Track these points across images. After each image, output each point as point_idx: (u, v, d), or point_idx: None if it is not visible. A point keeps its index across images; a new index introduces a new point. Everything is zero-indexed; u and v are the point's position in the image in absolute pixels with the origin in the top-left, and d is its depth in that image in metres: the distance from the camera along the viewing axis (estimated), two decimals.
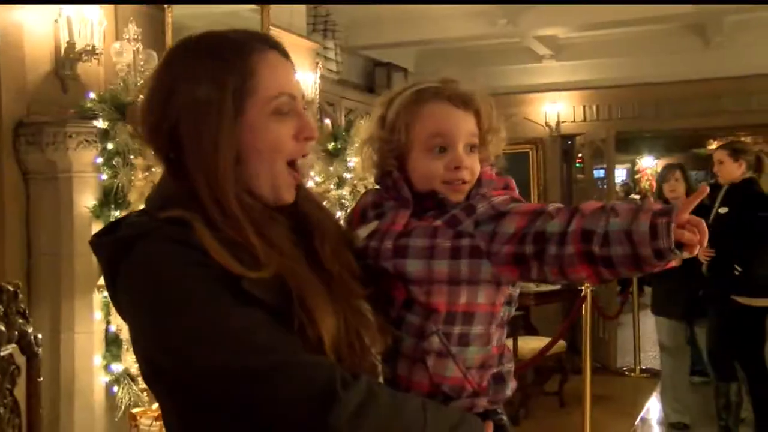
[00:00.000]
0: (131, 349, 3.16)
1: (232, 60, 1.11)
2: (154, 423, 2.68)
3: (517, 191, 1.28)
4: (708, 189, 1.16)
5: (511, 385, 1.27)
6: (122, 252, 1.07)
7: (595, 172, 7.84)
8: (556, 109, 7.53)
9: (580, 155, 7.80)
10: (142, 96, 1.18)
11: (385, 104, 1.30)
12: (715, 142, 9.58)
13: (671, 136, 10.43)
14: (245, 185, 1.11)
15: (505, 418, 1.27)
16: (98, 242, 1.13)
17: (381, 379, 1.16)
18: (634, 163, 12.74)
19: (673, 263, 1.08)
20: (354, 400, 1.02)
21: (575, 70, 7.37)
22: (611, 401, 5.41)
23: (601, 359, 6.64)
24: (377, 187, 1.32)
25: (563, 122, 7.58)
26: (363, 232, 1.25)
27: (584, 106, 7.60)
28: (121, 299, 1.11)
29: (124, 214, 3.09)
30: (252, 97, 1.11)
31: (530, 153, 7.66)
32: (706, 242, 1.07)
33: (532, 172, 7.64)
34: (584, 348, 4.72)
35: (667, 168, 5.15)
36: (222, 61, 1.11)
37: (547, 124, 7.59)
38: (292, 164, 1.15)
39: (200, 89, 1.09)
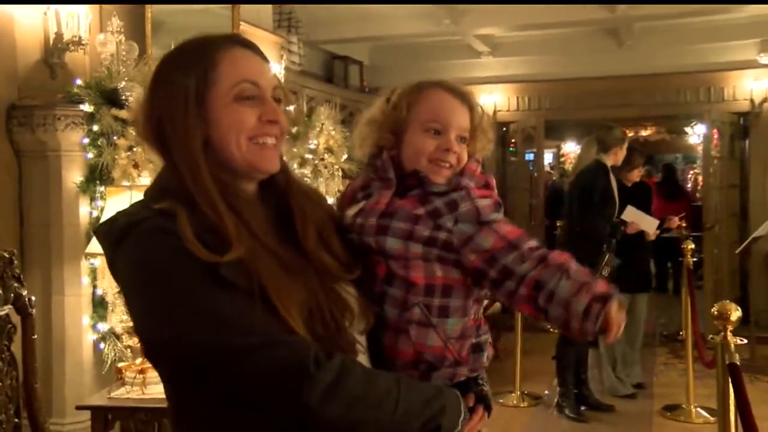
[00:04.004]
0: (116, 310, 3.16)
1: (197, 56, 1.10)
2: (138, 376, 2.65)
3: (496, 191, 1.24)
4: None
5: (488, 354, 1.25)
6: (117, 240, 1.05)
7: (526, 155, 7.96)
8: (492, 100, 7.59)
9: (513, 140, 7.90)
10: (136, 108, 1.16)
11: (390, 91, 1.28)
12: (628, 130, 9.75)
13: (591, 125, 10.58)
14: (223, 165, 1.09)
15: (486, 387, 1.24)
16: (100, 231, 1.11)
17: (361, 355, 1.11)
18: (559, 148, 12.91)
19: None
20: (327, 378, 0.97)
21: (509, 65, 7.42)
22: (537, 354, 5.54)
23: (529, 319, 6.77)
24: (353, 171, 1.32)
25: (499, 111, 7.66)
26: (351, 211, 1.23)
27: (517, 97, 7.68)
28: (118, 283, 1.10)
29: (108, 189, 3.05)
30: (214, 86, 1.08)
31: None
32: (620, 334, 1.08)
33: None
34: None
35: (636, 154, 4.67)
36: (188, 57, 1.11)
37: None
38: (253, 139, 1.10)
39: (171, 84, 1.09)
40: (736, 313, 2.26)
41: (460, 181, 1.20)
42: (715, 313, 2.28)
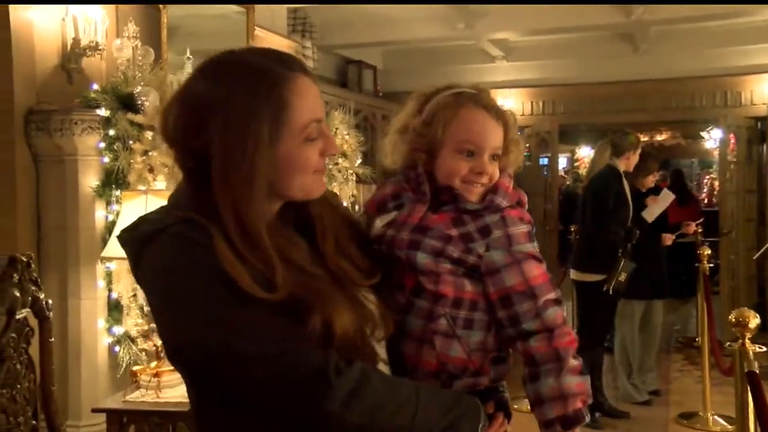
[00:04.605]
0: (131, 313, 3.17)
1: (266, 91, 1.04)
2: (152, 379, 2.66)
3: (526, 207, 1.26)
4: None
5: (509, 365, 1.25)
6: (141, 246, 1.04)
7: (540, 159, 7.94)
8: (506, 104, 7.53)
9: (527, 145, 7.87)
10: (164, 107, 1.10)
11: (423, 100, 1.25)
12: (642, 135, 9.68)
13: (606, 130, 10.52)
14: (276, 195, 1.08)
15: (506, 394, 1.25)
16: (124, 237, 1.10)
17: (381, 364, 1.11)
18: (573, 153, 12.85)
19: None
20: (346, 385, 0.98)
21: (524, 70, 7.40)
22: None
23: None
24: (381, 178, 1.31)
25: None
26: (381, 221, 1.22)
27: (531, 102, 7.66)
28: (141, 287, 1.10)
29: (124, 193, 3.07)
30: (286, 127, 1.04)
31: None
32: None
33: None
34: None
35: (650, 159, 4.66)
36: (257, 91, 1.03)
37: None
38: (316, 173, 1.10)
39: (236, 119, 1.02)
40: (755, 321, 2.24)
41: (494, 199, 1.21)
42: (733, 320, 2.26)
